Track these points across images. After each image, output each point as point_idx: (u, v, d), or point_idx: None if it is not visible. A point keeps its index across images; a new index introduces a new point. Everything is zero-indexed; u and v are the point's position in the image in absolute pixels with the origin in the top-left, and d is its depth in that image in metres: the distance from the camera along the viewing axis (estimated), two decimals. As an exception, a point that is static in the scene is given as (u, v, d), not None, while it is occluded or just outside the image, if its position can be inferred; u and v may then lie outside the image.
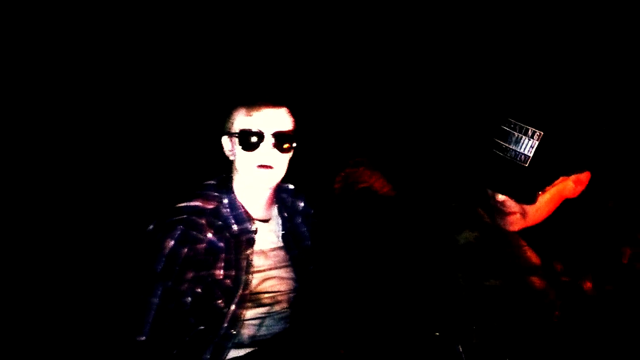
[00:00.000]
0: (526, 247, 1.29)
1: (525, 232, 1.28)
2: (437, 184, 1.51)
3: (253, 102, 1.44)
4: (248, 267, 1.45)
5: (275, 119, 1.44)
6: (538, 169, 1.13)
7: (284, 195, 1.64)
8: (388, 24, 2.36)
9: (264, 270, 1.50)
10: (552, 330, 1.24)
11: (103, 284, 1.94)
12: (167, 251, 1.38)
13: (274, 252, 1.54)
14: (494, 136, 1.21)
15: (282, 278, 1.52)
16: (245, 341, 1.44)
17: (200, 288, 1.41)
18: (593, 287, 1.23)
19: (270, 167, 1.44)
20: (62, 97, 2.26)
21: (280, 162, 1.46)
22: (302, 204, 1.66)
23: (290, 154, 1.49)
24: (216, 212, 1.47)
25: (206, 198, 1.48)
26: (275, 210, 1.59)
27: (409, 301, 1.38)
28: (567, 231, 1.25)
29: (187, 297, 1.41)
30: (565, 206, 1.23)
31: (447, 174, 1.46)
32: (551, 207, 1.22)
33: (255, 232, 1.49)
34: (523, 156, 1.14)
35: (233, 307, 1.42)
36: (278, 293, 1.50)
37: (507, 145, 1.17)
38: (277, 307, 1.49)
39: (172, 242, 1.38)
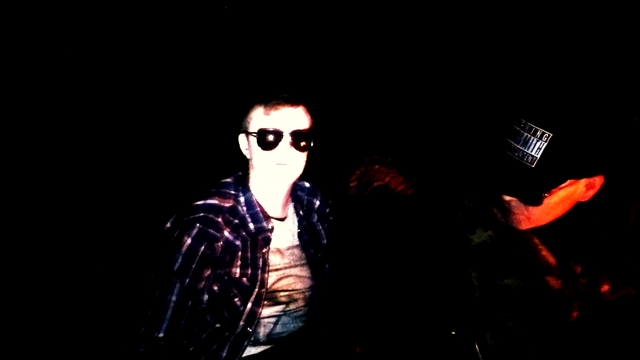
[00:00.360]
0: (541, 247, 1.28)
1: (541, 233, 1.27)
2: (451, 183, 1.50)
3: (271, 101, 1.44)
4: (264, 266, 1.46)
5: (292, 118, 1.44)
6: (544, 170, 1.12)
7: (300, 194, 1.64)
8: (405, 25, 2.36)
9: (280, 269, 1.50)
10: (568, 331, 1.24)
11: (121, 282, 1.96)
12: (184, 249, 1.38)
13: (290, 251, 1.54)
14: (505, 135, 1.20)
15: (298, 276, 1.53)
16: (262, 339, 1.45)
17: (217, 286, 1.42)
18: (611, 289, 1.22)
19: (288, 165, 1.45)
20: (81, 95, 2.28)
21: (298, 160, 1.46)
22: (318, 202, 1.66)
23: (307, 152, 1.49)
24: (233, 211, 1.47)
25: (223, 196, 1.48)
26: (291, 208, 1.60)
27: (424, 300, 1.38)
28: (584, 233, 1.24)
29: (204, 295, 1.42)
30: (583, 209, 1.22)
31: (460, 173, 1.46)
32: (561, 210, 1.21)
33: (271, 230, 1.50)
34: (530, 157, 1.13)
35: (249, 305, 1.42)
36: (294, 291, 1.51)
37: (515, 144, 1.16)
38: (293, 305, 1.50)
39: (189, 240, 1.38)
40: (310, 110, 1.50)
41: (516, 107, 1.20)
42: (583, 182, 1.17)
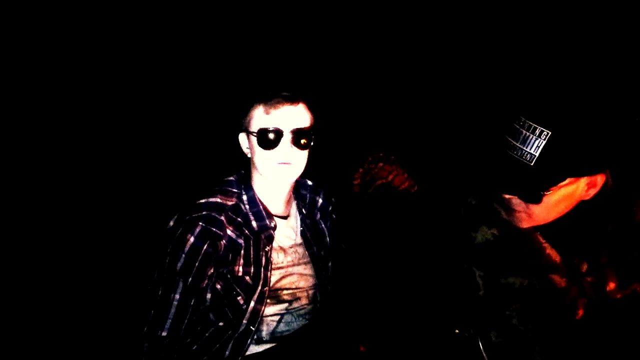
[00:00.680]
0: (546, 245, 1.28)
1: (546, 231, 1.26)
2: (455, 180, 1.49)
3: (270, 100, 1.43)
4: (267, 264, 1.46)
5: (293, 116, 1.43)
6: (543, 169, 1.11)
7: (303, 192, 1.63)
8: (407, 23, 2.35)
9: (283, 267, 1.50)
10: (574, 329, 1.23)
11: (124, 281, 1.96)
12: (187, 248, 1.38)
13: (293, 249, 1.54)
14: (505, 133, 1.20)
15: (301, 274, 1.53)
16: (265, 337, 1.45)
17: (220, 285, 1.42)
18: (617, 287, 1.21)
19: (290, 164, 1.44)
20: (81, 95, 2.28)
21: (299, 158, 1.45)
22: (320, 200, 1.65)
23: (308, 150, 1.48)
24: (236, 209, 1.47)
25: (226, 194, 1.48)
26: (294, 206, 1.59)
27: (428, 298, 1.37)
28: (589, 231, 1.23)
29: (207, 293, 1.42)
30: (588, 206, 1.21)
31: (463, 171, 1.45)
32: (562, 208, 1.20)
33: (274, 228, 1.49)
34: (529, 155, 1.12)
35: (252, 303, 1.42)
36: (297, 289, 1.51)
37: (514, 142, 1.15)
38: (296, 304, 1.50)
39: (192, 239, 1.38)
40: (311, 108, 1.49)
41: (515, 105, 1.19)
42: (584, 180, 1.16)
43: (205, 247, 1.39)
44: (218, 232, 1.41)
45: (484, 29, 2.25)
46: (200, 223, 1.40)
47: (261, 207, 1.49)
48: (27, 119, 2.24)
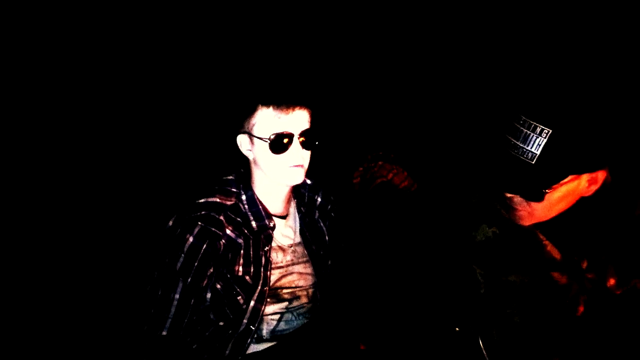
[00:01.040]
0: (546, 242, 1.28)
1: (546, 228, 1.26)
2: (455, 179, 1.49)
3: (280, 104, 1.40)
4: (267, 264, 1.46)
5: (301, 119, 1.42)
6: (545, 167, 1.11)
7: (302, 191, 1.63)
8: (406, 23, 2.35)
9: (282, 266, 1.50)
10: (575, 326, 1.23)
11: (124, 280, 1.96)
12: (186, 247, 1.38)
13: (292, 248, 1.54)
14: (505, 132, 1.19)
15: (300, 273, 1.53)
16: (265, 336, 1.45)
17: (220, 284, 1.42)
18: (617, 283, 1.21)
19: (302, 166, 1.44)
20: (80, 94, 2.29)
21: (308, 159, 1.46)
22: (319, 199, 1.65)
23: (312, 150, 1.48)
24: (235, 209, 1.47)
25: (225, 194, 1.48)
26: (293, 205, 1.59)
27: (428, 297, 1.37)
28: (590, 228, 1.23)
29: (207, 293, 1.42)
30: (588, 202, 1.21)
31: (464, 170, 1.45)
32: (564, 205, 1.20)
33: (273, 228, 1.49)
34: (530, 154, 1.12)
35: (252, 303, 1.42)
36: (297, 288, 1.51)
37: (515, 141, 1.15)
38: (296, 303, 1.50)
39: (192, 239, 1.38)
40: (315, 108, 1.48)
41: (515, 104, 1.19)
42: (585, 177, 1.16)
43: (204, 247, 1.39)
44: (217, 232, 1.41)
45: (483, 29, 2.26)
46: (200, 223, 1.40)
47: (260, 207, 1.49)
48: (24, 118, 2.24)
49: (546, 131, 1.10)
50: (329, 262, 1.61)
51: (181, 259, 1.38)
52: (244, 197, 1.49)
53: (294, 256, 1.53)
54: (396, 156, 1.78)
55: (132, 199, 2.25)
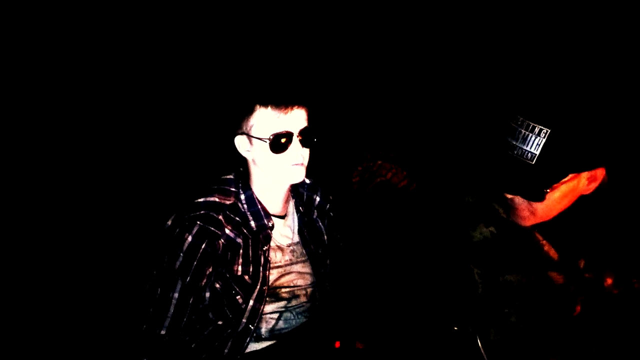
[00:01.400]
0: (544, 242, 1.28)
1: (544, 228, 1.26)
2: (453, 179, 1.49)
3: (278, 104, 1.40)
4: (266, 263, 1.46)
5: (300, 117, 1.42)
6: (545, 166, 1.11)
7: (300, 190, 1.63)
8: (406, 22, 2.35)
9: (281, 266, 1.50)
10: (572, 326, 1.23)
11: (122, 280, 1.97)
12: (185, 247, 1.38)
13: (291, 248, 1.54)
14: (504, 133, 1.19)
15: (299, 273, 1.53)
16: (264, 335, 1.46)
17: (218, 284, 1.42)
18: (614, 283, 1.21)
19: (303, 164, 1.44)
20: (79, 94, 2.29)
21: (307, 157, 1.46)
22: (318, 199, 1.65)
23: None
24: (234, 208, 1.47)
25: (224, 194, 1.48)
26: (291, 205, 1.59)
27: (426, 296, 1.37)
28: (587, 227, 1.23)
29: (206, 292, 1.42)
30: (585, 202, 1.21)
31: (462, 170, 1.45)
32: (564, 204, 1.20)
33: (272, 228, 1.49)
34: (529, 154, 1.12)
35: (251, 302, 1.43)
36: (296, 288, 1.51)
37: (514, 142, 1.15)
38: (295, 302, 1.50)
39: (190, 238, 1.38)
40: (313, 107, 1.49)
41: (512, 104, 1.19)
42: (585, 175, 1.16)
43: (203, 246, 1.39)
44: (216, 231, 1.41)
45: (481, 30, 2.26)
46: (199, 222, 1.40)
47: (259, 206, 1.49)
48: (23, 118, 2.25)
49: (545, 131, 1.10)
50: (328, 262, 1.61)
51: (180, 259, 1.38)
52: (242, 197, 1.49)
53: (293, 256, 1.53)
54: (395, 156, 1.78)
55: (131, 198, 2.25)
